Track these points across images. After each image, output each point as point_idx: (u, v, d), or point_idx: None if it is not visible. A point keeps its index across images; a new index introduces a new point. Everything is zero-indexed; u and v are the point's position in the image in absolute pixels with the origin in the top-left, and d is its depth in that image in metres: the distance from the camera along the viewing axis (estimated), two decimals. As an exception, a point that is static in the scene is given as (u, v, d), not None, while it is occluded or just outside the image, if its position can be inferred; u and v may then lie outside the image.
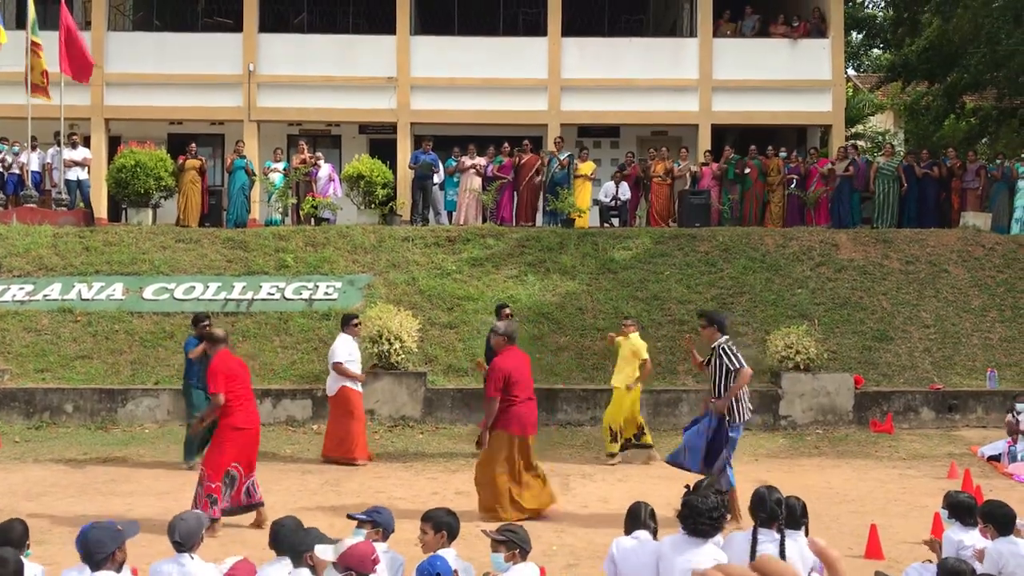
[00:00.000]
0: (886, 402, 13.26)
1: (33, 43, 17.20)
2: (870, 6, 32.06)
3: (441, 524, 5.14)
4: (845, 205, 17.95)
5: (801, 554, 5.06)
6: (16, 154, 18.46)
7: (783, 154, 18.57)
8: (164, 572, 4.79)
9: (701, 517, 4.80)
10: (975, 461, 11.14)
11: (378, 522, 5.31)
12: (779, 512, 5.09)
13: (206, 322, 10.87)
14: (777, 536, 5.01)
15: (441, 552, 5.04)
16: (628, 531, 5.36)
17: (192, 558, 4.85)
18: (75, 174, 18.26)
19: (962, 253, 16.30)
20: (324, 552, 4.92)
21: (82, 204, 18.25)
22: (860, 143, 22.46)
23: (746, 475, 9.87)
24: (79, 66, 17.66)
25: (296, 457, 11.33)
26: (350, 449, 10.89)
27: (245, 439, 8.23)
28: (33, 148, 18.43)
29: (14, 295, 14.90)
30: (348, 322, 11.49)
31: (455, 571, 4.85)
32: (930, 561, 6.29)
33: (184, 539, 4.83)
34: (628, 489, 9.68)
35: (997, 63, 22.81)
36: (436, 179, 18.09)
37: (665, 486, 9.28)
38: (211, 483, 8.03)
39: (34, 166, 18.42)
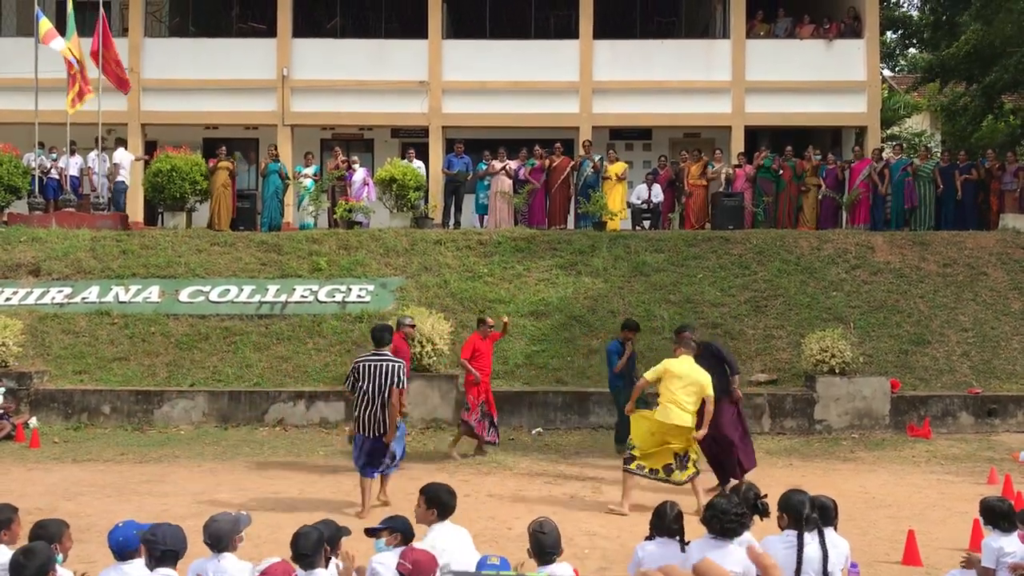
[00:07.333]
0: (923, 406, 13.06)
1: (70, 50, 17.41)
2: (906, 6, 31.65)
3: (432, 500, 5.25)
4: (881, 207, 17.75)
5: (835, 551, 5.05)
6: (55, 159, 18.77)
7: (818, 156, 18.36)
8: (199, 570, 4.83)
9: (725, 516, 4.83)
10: (1015, 467, 10.95)
11: (395, 527, 5.37)
12: (813, 513, 5.07)
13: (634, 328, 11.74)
14: (817, 536, 5.00)
15: (436, 527, 5.20)
16: (653, 529, 5.36)
17: (227, 557, 4.88)
18: (115, 177, 18.52)
19: (1001, 256, 16.04)
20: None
21: (110, 197, 18.49)
22: (892, 144, 22.12)
23: (781, 480, 9.77)
24: (117, 78, 17.99)
25: (329, 459, 11.39)
26: None
27: None
28: (72, 153, 18.72)
29: (53, 298, 15.14)
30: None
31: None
32: (969, 567, 6.19)
33: (214, 539, 4.87)
34: (660, 493, 9.60)
35: (1038, 63, 22.39)
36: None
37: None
38: None
39: (73, 171, 18.73)
